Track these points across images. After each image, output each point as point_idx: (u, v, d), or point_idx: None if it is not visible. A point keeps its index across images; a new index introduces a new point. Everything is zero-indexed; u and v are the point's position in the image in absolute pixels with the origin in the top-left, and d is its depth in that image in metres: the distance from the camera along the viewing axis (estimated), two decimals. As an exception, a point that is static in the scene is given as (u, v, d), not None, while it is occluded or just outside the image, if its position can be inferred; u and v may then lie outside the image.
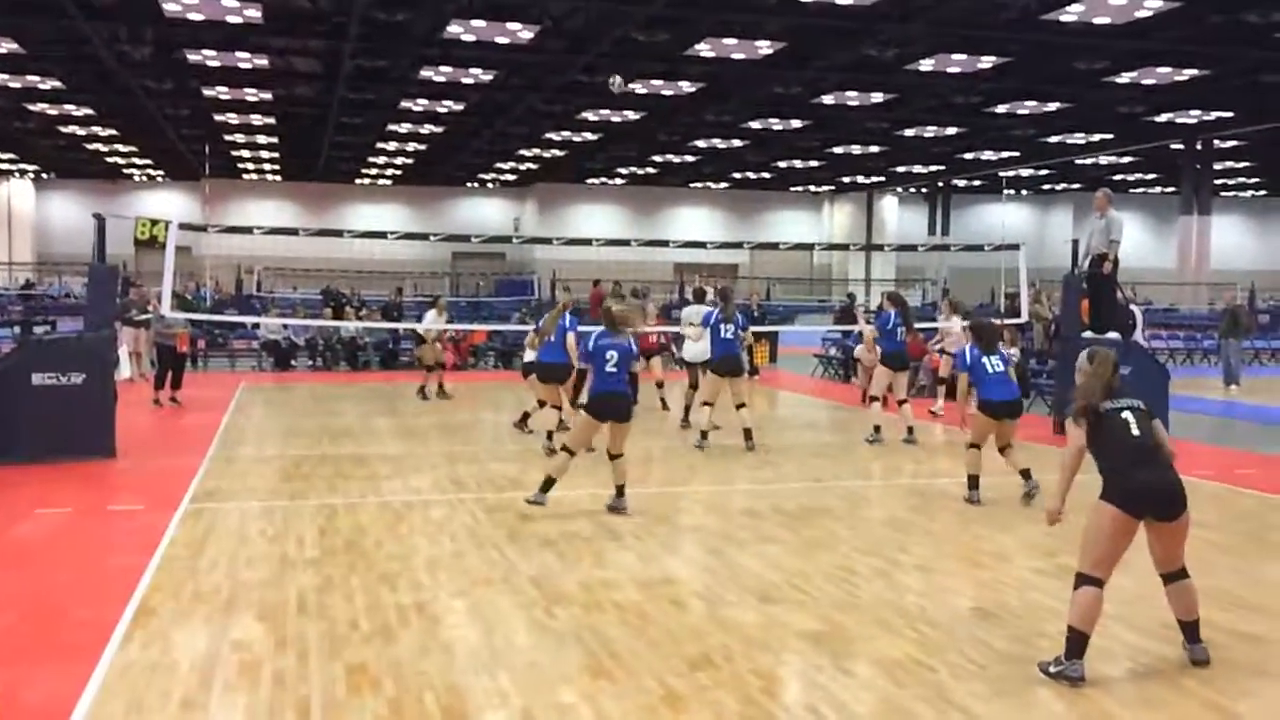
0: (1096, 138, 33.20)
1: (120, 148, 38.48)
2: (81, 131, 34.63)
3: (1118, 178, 43.78)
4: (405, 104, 28.43)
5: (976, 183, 45.97)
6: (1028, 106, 27.87)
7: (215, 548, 7.54)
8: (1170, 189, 44.14)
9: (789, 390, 19.76)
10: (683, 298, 30.13)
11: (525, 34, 20.45)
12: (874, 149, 36.21)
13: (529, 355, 12.54)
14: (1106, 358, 5.58)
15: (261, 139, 35.85)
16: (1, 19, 20.17)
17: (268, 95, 27.83)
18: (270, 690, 4.93)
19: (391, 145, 36.90)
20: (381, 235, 16.95)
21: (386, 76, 24.66)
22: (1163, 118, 29.07)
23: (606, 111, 29.30)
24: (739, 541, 7.93)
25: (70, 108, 30.04)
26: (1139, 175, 43.81)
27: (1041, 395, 15.95)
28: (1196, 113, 28.50)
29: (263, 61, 23.62)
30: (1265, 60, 21.84)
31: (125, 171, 46.02)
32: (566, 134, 33.53)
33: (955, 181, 44.79)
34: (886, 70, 23.02)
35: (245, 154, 39.91)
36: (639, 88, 25.67)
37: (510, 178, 46.90)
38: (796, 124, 31.06)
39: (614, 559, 7.37)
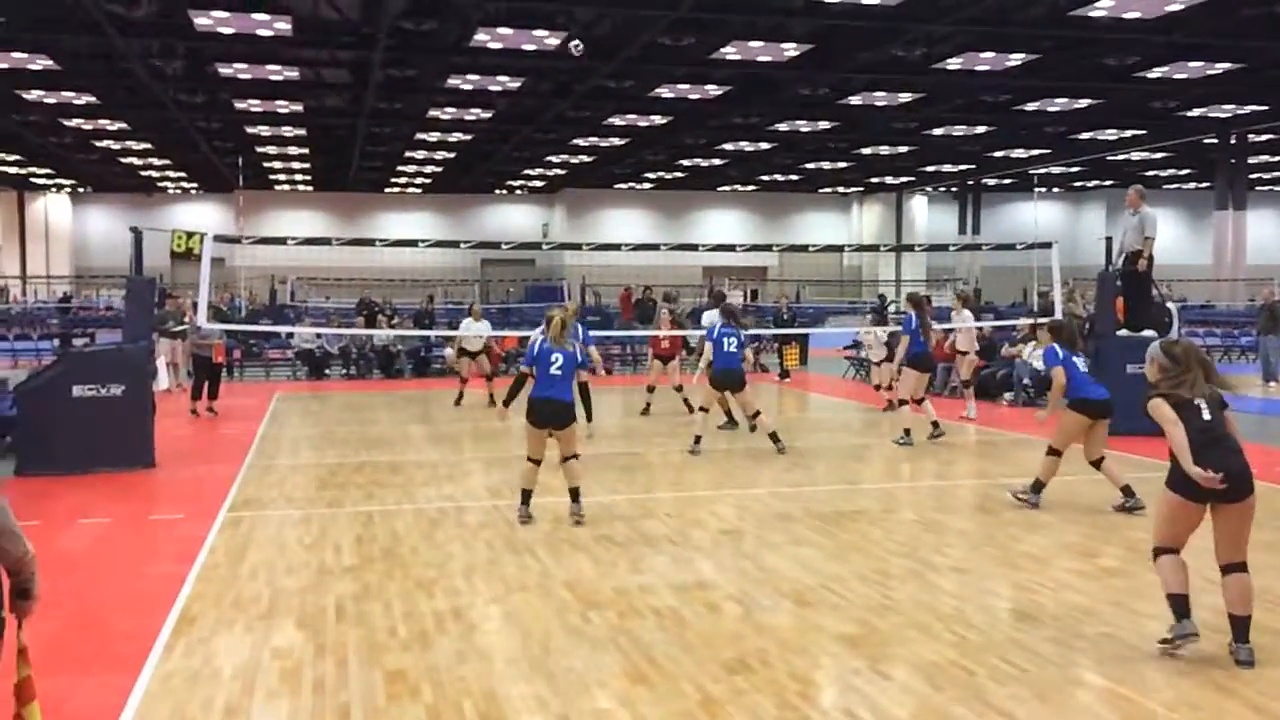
0: (1129, 133, 32.89)
1: (155, 161, 38.97)
2: (116, 146, 35.11)
3: (1151, 174, 43.34)
4: (434, 113, 28.62)
5: (1007, 181, 45.65)
6: (1058, 103, 27.65)
7: (254, 556, 7.62)
8: (1204, 184, 43.66)
9: (819, 393, 19.70)
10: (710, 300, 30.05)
11: (552, 40, 20.53)
12: (902, 149, 36.05)
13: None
14: (1189, 347, 5.81)
15: (293, 150, 36.20)
16: (38, 36, 20.49)
17: (298, 107, 28.11)
18: (311, 697, 4.98)
19: (420, 154, 37.14)
20: (413, 243, 17.02)
21: (415, 86, 24.85)
22: (1195, 112, 28.77)
23: (634, 116, 29.35)
24: (773, 545, 7.92)
25: (105, 123, 30.47)
26: (1172, 171, 43.35)
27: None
28: (1230, 107, 28.19)
29: (293, 73, 23.86)
30: (1299, 52, 21.56)
31: (160, 184, 46.59)
32: (594, 139, 33.62)
33: (985, 180, 44.51)
34: (914, 70, 22.92)
35: (277, 165, 40.31)
36: (665, 92, 25.70)
37: (538, 184, 47.08)
38: (824, 125, 30.98)
39: (649, 564, 7.38)
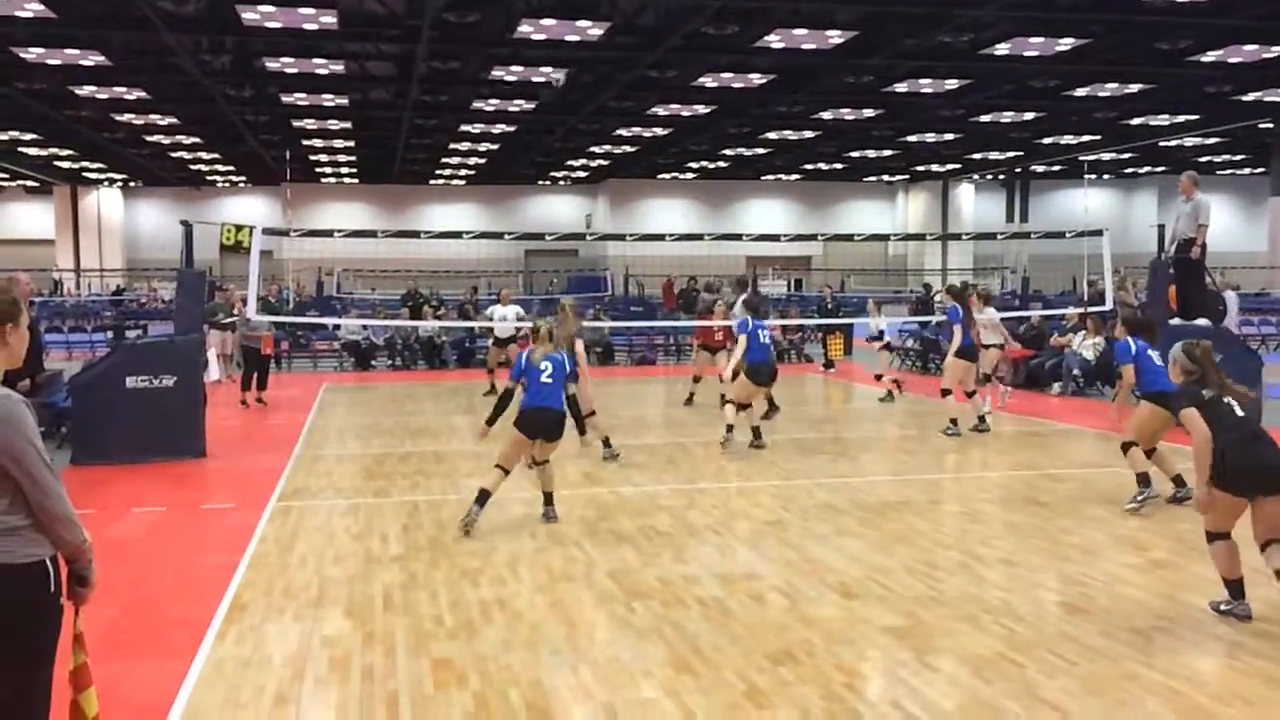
0: (1181, 119, 32.26)
1: (204, 155, 39.47)
2: (167, 140, 35.60)
3: (1204, 159, 42.51)
4: (477, 104, 28.70)
5: (1056, 168, 44.96)
6: (1109, 88, 27.18)
7: (303, 545, 7.71)
8: (1260, 170, 42.75)
9: (864, 383, 19.56)
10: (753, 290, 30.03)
11: (595, 31, 20.51)
12: (949, 136, 35.63)
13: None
14: (1207, 349, 6.13)
15: (338, 143, 36.51)
16: (89, 33, 20.83)
17: (344, 100, 28.33)
18: (359, 685, 5.04)
19: (464, 145, 37.30)
20: (457, 235, 17.17)
21: (459, 78, 24.94)
22: (1250, 96, 28.15)
23: (677, 106, 29.26)
24: (818, 536, 7.89)
25: (156, 117, 30.90)
26: (1227, 156, 42.48)
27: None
28: (1286, 90, 27.54)
29: (338, 67, 24.05)
30: (1359, 34, 21.03)
31: (209, 178, 47.19)
32: (637, 130, 33.56)
33: (1034, 167, 43.87)
34: (961, 56, 22.62)
35: (323, 158, 40.67)
36: (709, 81, 25.60)
37: (582, 175, 47.11)
38: (869, 113, 30.70)
39: (693, 554, 7.38)
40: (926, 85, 26.54)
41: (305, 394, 17.55)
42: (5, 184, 45.71)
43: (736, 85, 26.22)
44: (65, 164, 41.35)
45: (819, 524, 8.29)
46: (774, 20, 20.12)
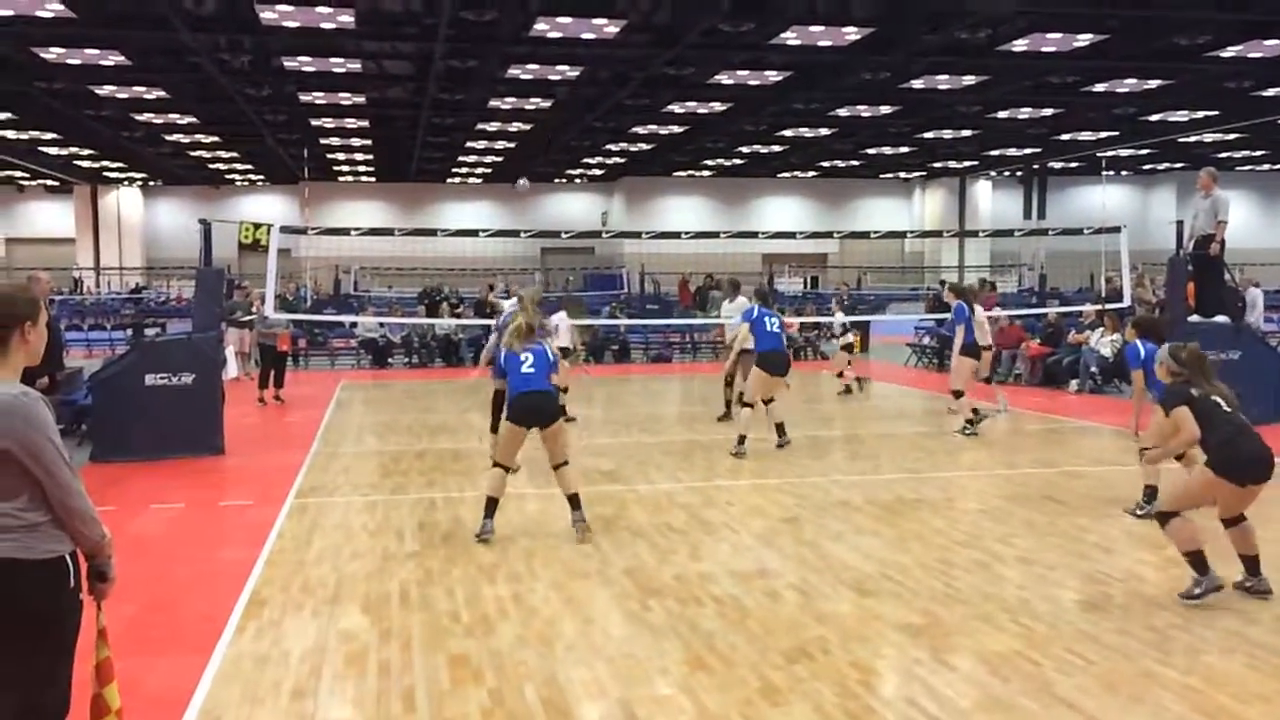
0: (1201, 115, 32.02)
1: (222, 154, 39.67)
2: (186, 139, 35.79)
3: (1224, 155, 42.17)
4: (494, 103, 28.75)
5: (1074, 164, 44.69)
6: (1127, 84, 27.00)
7: (321, 541, 7.76)
8: (1279, 166, 42.42)
9: (882, 380, 19.52)
10: (771, 288, 29.93)
11: (611, 29, 20.51)
12: (966, 133, 35.45)
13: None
14: (1195, 351, 6.48)
15: (356, 141, 36.62)
16: (109, 32, 20.95)
17: (361, 99, 28.41)
18: (376, 680, 5.07)
19: (481, 144, 37.37)
20: (473, 233, 17.22)
21: (475, 76, 24.97)
22: (1270, 92, 27.91)
23: (693, 104, 29.24)
24: (834, 533, 7.88)
25: (175, 116, 31.06)
26: (1246, 152, 42.13)
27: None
28: (1308, 86, 27.31)
29: (356, 65, 24.12)
30: (1381, 28, 20.83)
31: (227, 177, 47.41)
32: (653, 127, 33.54)
33: (1051, 163, 43.63)
34: (978, 52, 22.52)
35: (340, 156, 40.81)
36: (725, 78, 25.57)
37: (597, 172, 47.12)
38: (885, 110, 30.59)
39: (708, 551, 7.38)
40: (944, 81, 26.43)
41: (322, 391, 17.63)
42: (26, 183, 46.02)
43: (753, 82, 26.17)
44: (85, 163, 41.63)
45: (835, 521, 8.28)
46: (790, 17, 20.06)
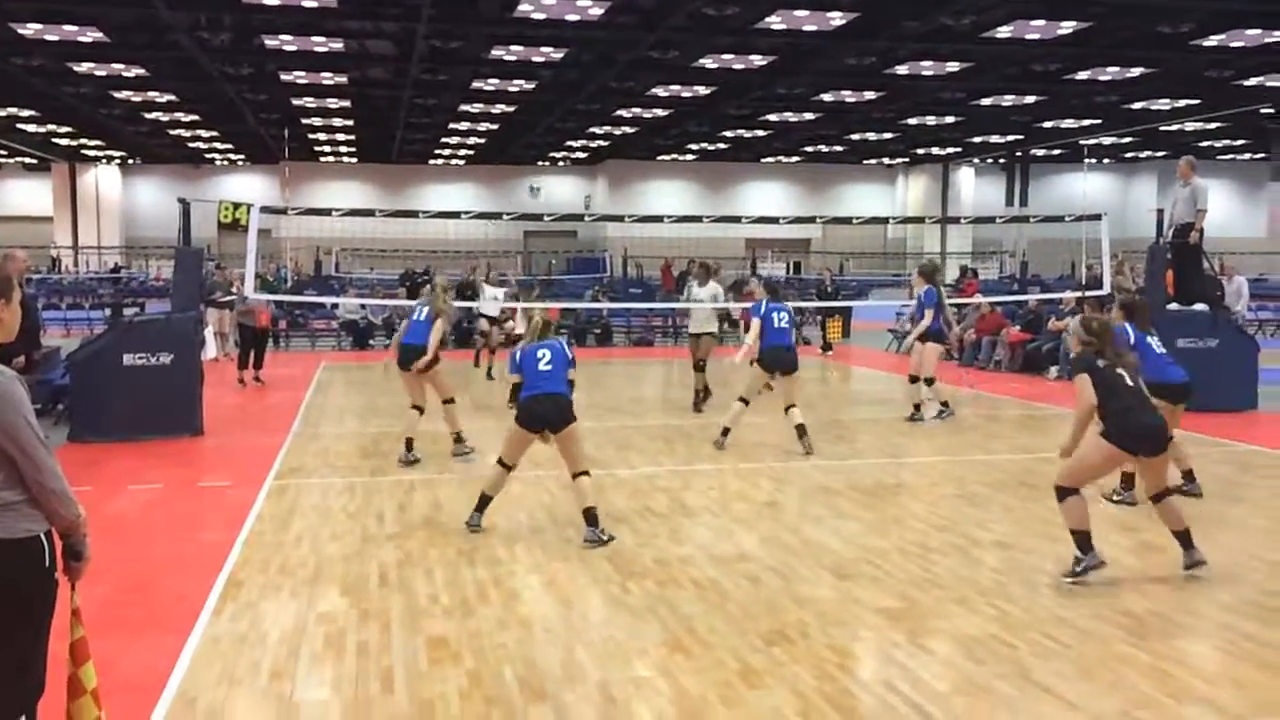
0: (1182, 103, 32.15)
1: (202, 133, 39.34)
2: (165, 118, 35.46)
3: (1204, 144, 42.39)
4: (477, 84, 28.59)
5: (1056, 152, 44.83)
6: (1110, 72, 27.08)
7: (300, 523, 7.73)
8: (1260, 155, 42.66)
9: (863, 366, 19.58)
10: (757, 275, 29.98)
11: (595, 10, 20.42)
12: (949, 119, 35.50)
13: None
14: (1104, 323, 6.75)
15: (337, 121, 36.37)
16: (87, 9, 20.72)
17: (343, 78, 28.20)
18: (355, 661, 5.06)
19: (464, 125, 37.19)
20: (455, 215, 17.16)
21: (459, 57, 24.83)
22: (1251, 81, 28.05)
23: (677, 87, 29.16)
24: (814, 518, 7.91)
25: (154, 94, 30.77)
26: (1227, 141, 42.36)
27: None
28: (1288, 75, 27.45)
29: (338, 45, 23.93)
30: (1362, 19, 20.95)
31: (207, 156, 47.03)
32: (637, 111, 33.44)
33: (1034, 151, 43.75)
34: (963, 39, 22.53)
35: (322, 136, 40.53)
36: (709, 62, 25.49)
37: (581, 155, 46.98)
38: (870, 96, 30.59)
39: (689, 535, 7.40)
40: (928, 68, 26.45)
41: (303, 373, 17.55)
42: (4, 160, 45.57)
43: (737, 66, 26.11)
44: (64, 141, 41.22)
45: (815, 506, 8.31)
46: (775, 1, 20.03)
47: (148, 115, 34.77)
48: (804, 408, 12.31)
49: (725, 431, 10.80)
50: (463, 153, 45.78)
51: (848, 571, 6.52)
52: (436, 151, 45.39)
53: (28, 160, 45.19)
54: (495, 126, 37.10)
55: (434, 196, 48.55)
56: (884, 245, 49.00)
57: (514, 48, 24.01)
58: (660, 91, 29.70)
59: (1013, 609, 5.80)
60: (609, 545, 7.06)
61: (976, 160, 48.36)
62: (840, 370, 18.97)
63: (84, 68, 26.51)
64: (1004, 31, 22.19)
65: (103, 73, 27.21)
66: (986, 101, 31.55)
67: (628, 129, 37.61)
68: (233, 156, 47.36)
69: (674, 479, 9.27)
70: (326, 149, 44.80)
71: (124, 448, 10.45)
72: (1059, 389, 15.72)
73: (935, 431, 11.97)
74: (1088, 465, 6.43)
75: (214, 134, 39.66)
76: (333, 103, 32.14)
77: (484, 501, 7.56)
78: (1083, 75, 27.37)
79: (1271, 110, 31.92)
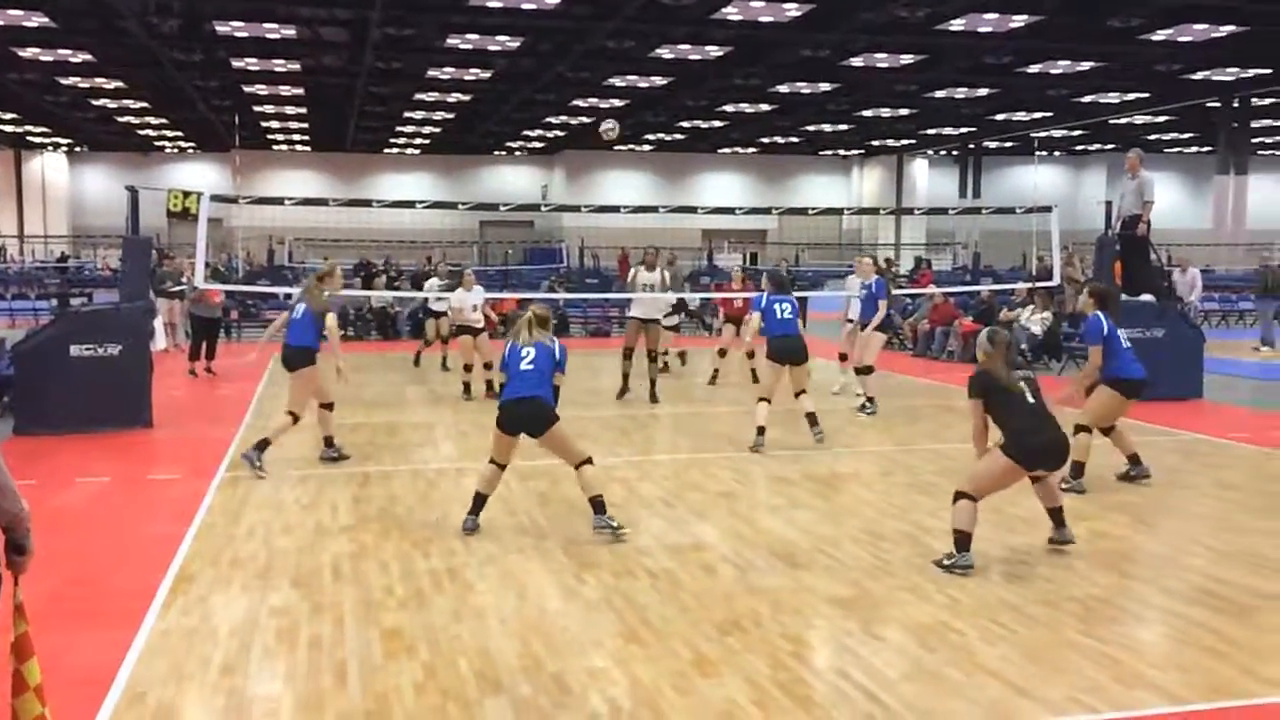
0: (1131, 97, 32.68)
1: (151, 120, 38.72)
2: (113, 104, 34.87)
3: (1153, 137, 43.10)
4: (432, 72, 28.40)
5: (1008, 144, 45.41)
6: (1061, 66, 27.45)
7: (252, 516, 7.65)
8: (1206, 148, 43.44)
9: (818, 356, 19.67)
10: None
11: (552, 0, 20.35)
12: (904, 111, 35.82)
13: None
14: (1005, 339, 6.70)
15: (290, 109, 35.96)
16: (32, -7, 20.33)
17: (296, 66, 27.89)
18: (308, 654, 5.03)
19: (419, 114, 36.91)
20: (410, 205, 16.93)
21: (413, 45, 24.64)
22: (1199, 76, 28.57)
23: (634, 78, 29.15)
24: (769, 507, 7.96)
25: (102, 81, 30.24)
26: (1174, 134, 43.11)
27: (1074, 359, 15.83)
28: (1233, 71, 27.98)
29: (290, 32, 23.65)
30: (1305, 15, 21.39)
31: (157, 144, 46.32)
32: (594, 100, 33.39)
33: (987, 143, 44.27)
34: (917, 31, 22.73)
35: (274, 125, 40.06)
36: (666, 53, 25.48)
37: (538, 145, 46.81)
38: (825, 87, 30.77)
39: (645, 525, 7.41)
40: (882, 60, 26.65)
41: (255, 363, 17.32)
42: (-54, 147, 44.62)
43: (694, 57, 26.15)
44: (8, 128, 40.40)
45: (770, 495, 8.36)
46: (731, -8, 20.09)
47: (95, 102, 34.17)
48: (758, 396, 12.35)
49: (760, 431, 10.32)
50: (418, 142, 45.46)
51: (801, 561, 6.57)
52: (392, 140, 45.03)
53: (-30, 147, 44.29)
54: (451, 116, 36.88)
55: (389, 186, 48.16)
56: (839, 236, 49.31)
57: (469, 36, 23.88)
58: (617, 81, 29.67)
59: (963, 596, 5.88)
60: (564, 536, 7.06)
61: (930, 152, 48.84)
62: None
63: (29, 53, 25.99)
64: (957, 24, 22.41)
65: (49, 58, 26.70)
66: (940, 94, 31.86)
67: (585, 119, 37.53)
68: (183, 144, 46.68)
69: (630, 469, 9.29)
70: (279, 137, 44.29)
71: (71, 440, 10.27)
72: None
73: (888, 421, 12.06)
74: (988, 476, 6.46)
75: (163, 121, 39.05)
76: (285, 90, 31.78)
77: (479, 501, 7.25)
78: (1034, 68, 27.72)
79: (1218, 104, 32.49)
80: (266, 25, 22.91)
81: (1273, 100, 33.23)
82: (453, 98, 32.87)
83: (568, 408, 11.83)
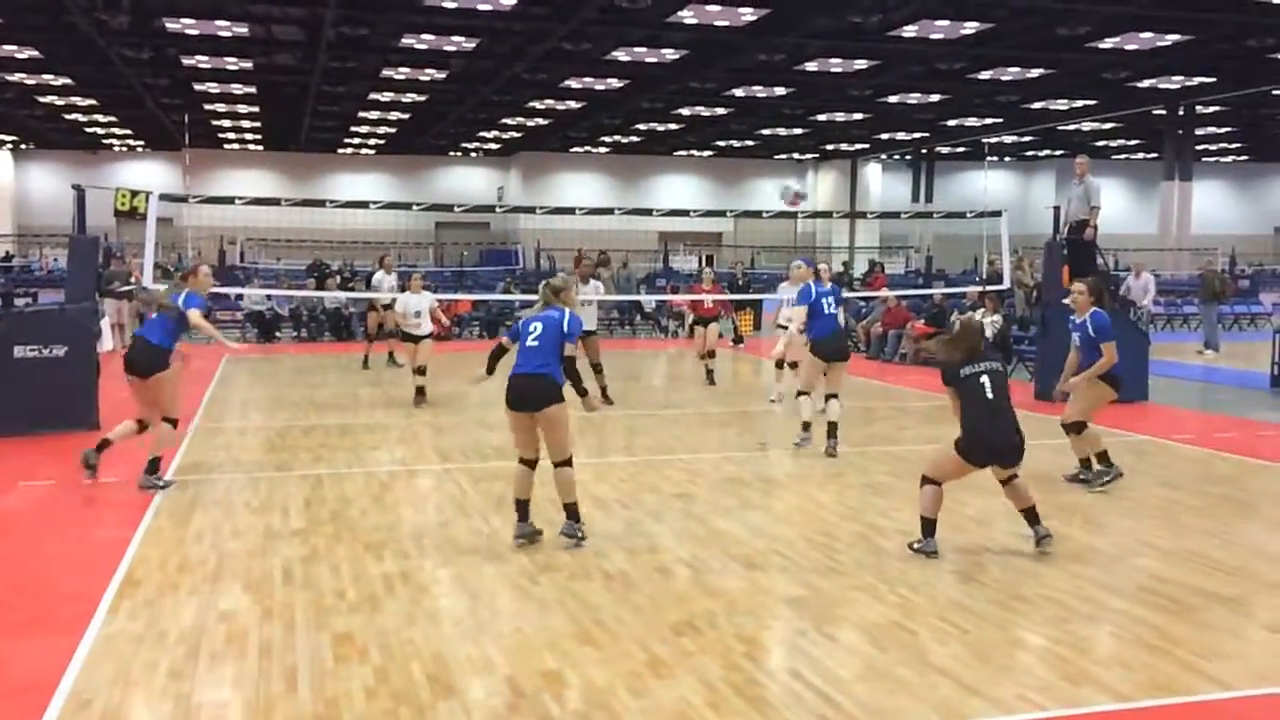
0: (1079, 103, 33.20)
1: (100, 118, 38.09)
2: (60, 101, 34.26)
3: (1100, 144, 43.80)
4: (387, 72, 28.19)
5: (960, 149, 45.94)
6: (1011, 72, 27.83)
7: (201, 520, 7.55)
8: (1153, 155, 44.20)
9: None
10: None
11: (508, 0, 20.28)
12: (857, 116, 36.11)
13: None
14: (972, 327, 6.82)
15: (242, 108, 35.54)
16: (-24, -12, 19.93)
17: (248, 64, 27.56)
18: (257, 660, 4.96)
19: (374, 114, 36.64)
20: (364, 205, 16.82)
21: (368, 44, 24.45)
22: (1145, 83, 29.07)
23: (590, 80, 29.15)
24: (724, 509, 7.98)
25: (48, 78, 29.71)
26: (1122, 141, 43.86)
27: (1023, 362, 16.04)
28: (1179, 78, 28.51)
29: (242, 29, 23.38)
30: (1247, 25, 21.86)
31: (105, 142, 45.57)
32: (550, 102, 33.34)
33: (939, 148, 44.75)
34: (870, 37, 22.93)
35: (226, 123, 39.56)
36: (622, 55, 25.50)
37: (494, 147, 46.64)
38: (780, 91, 30.95)
39: (601, 527, 7.40)
40: (836, 65, 26.85)
41: (206, 365, 17.10)
42: (-114, 144, 43.61)
43: (650, 60, 26.20)
44: (-50, 124, 39.58)
45: (725, 497, 8.39)
46: (687, -5, 20.15)
47: (42, 99, 33.57)
48: (715, 398, 12.44)
49: (806, 426, 10.31)
50: (373, 142, 45.11)
51: (756, 562, 6.60)
52: (346, 140, 44.65)
53: (-88, 144, 43.33)
54: (406, 116, 36.64)
55: (343, 186, 47.74)
56: (794, 239, 49.57)
57: (425, 36, 23.75)
58: (573, 83, 29.66)
59: (914, 596, 5.93)
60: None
61: (884, 157, 49.27)
62: (751, 363, 19.16)
63: (-28, 49, 25.48)
64: (910, 31, 22.64)
65: (-7, 54, 26.18)
66: (893, 99, 32.17)
67: (541, 120, 37.46)
68: (132, 143, 45.97)
69: (585, 471, 9.24)
70: (231, 136, 43.75)
71: (14, 443, 10.07)
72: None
73: (844, 424, 12.10)
74: (945, 462, 6.70)
75: (112, 119, 38.45)
76: (237, 89, 31.40)
77: (522, 508, 6.91)
78: (985, 75, 28.07)
79: (1164, 111, 33.09)
80: (218, 23, 22.64)
81: (1217, 108, 33.92)
82: (408, 98, 32.66)
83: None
